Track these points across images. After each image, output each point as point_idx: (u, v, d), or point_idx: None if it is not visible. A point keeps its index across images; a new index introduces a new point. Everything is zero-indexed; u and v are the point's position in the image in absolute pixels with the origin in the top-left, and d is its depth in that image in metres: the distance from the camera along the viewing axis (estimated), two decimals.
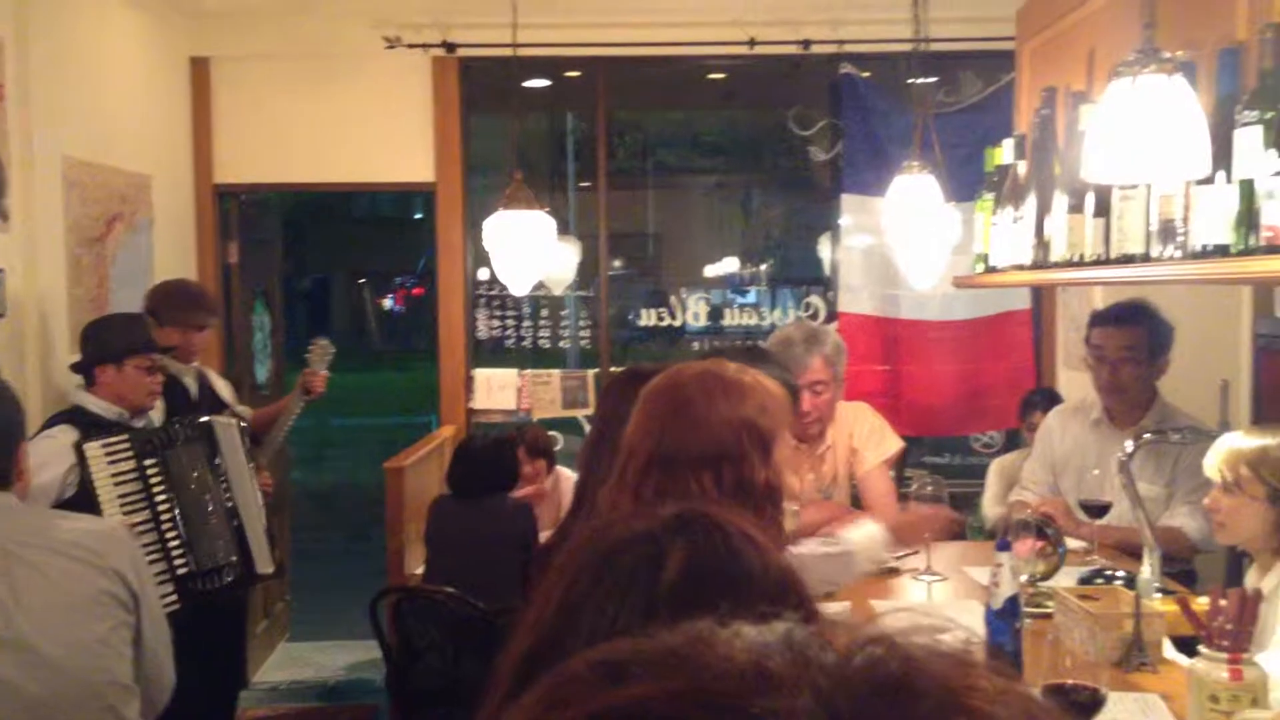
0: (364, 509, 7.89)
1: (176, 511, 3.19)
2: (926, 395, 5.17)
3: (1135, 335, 3.11)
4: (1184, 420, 3.07)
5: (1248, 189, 1.81)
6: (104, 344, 3.25)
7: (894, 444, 3.41)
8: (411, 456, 4.34)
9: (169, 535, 3.17)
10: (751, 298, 6.38)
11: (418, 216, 16.57)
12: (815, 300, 5.45)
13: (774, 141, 6.53)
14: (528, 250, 3.91)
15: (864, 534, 2.58)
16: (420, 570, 3.94)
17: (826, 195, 5.51)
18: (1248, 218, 1.82)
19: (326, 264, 18.70)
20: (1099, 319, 3.24)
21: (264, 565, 3.41)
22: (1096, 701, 1.85)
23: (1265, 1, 1.97)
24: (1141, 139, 1.58)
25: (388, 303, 20.36)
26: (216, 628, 3.58)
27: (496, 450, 3.83)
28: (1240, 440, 2.24)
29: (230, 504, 3.34)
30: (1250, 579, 2.31)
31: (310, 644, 5.46)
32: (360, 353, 18.44)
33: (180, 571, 3.15)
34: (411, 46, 4.98)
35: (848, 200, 5.16)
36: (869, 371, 5.11)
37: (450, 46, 4.98)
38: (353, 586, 4.92)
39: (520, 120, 4.47)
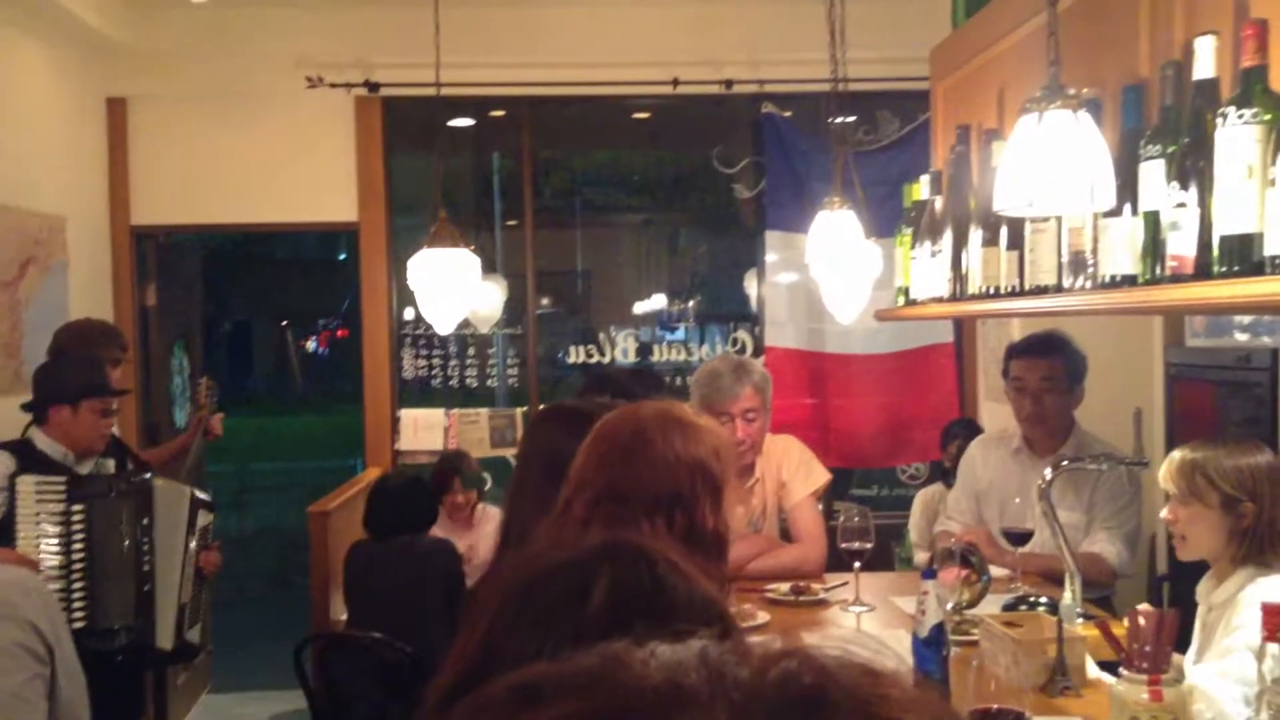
0: (288, 555, 7.73)
1: (88, 563, 3.10)
2: (853, 428, 5.24)
3: (1053, 366, 3.18)
4: (1100, 448, 3.14)
5: (1152, 221, 1.87)
6: (61, 384, 3.18)
7: (822, 476, 3.44)
8: (336, 500, 4.27)
9: (75, 586, 3.08)
10: (680, 334, 6.42)
11: (341, 257, 16.40)
12: (742, 335, 5.50)
13: (700, 180, 6.59)
14: (453, 289, 3.88)
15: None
16: (345, 617, 3.87)
17: (751, 232, 5.58)
18: (1153, 248, 1.88)
19: (248, 307, 18.40)
20: (1017, 351, 3.31)
21: (163, 638, 3.27)
22: None
23: (1166, 41, 2.05)
24: (1049, 172, 1.63)
25: (311, 345, 20.07)
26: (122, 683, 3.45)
27: (413, 489, 3.78)
28: (1191, 451, 2.26)
29: (147, 568, 3.23)
30: (1203, 590, 2.34)
31: (233, 695, 5.31)
32: (283, 397, 18.11)
33: (75, 625, 3.04)
34: (334, 86, 4.96)
35: (772, 237, 5.23)
36: (796, 405, 5.16)
37: (373, 86, 4.96)
38: (277, 635, 4.80)
39: (445, 159, 4.48)
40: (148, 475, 3.35)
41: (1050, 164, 1.63)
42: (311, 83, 4.93)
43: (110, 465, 3.38)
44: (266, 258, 17.68)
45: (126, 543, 3.20)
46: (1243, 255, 1.61)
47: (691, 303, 7.66)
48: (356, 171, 5.03)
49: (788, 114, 5.26)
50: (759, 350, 5.28)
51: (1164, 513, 2.30)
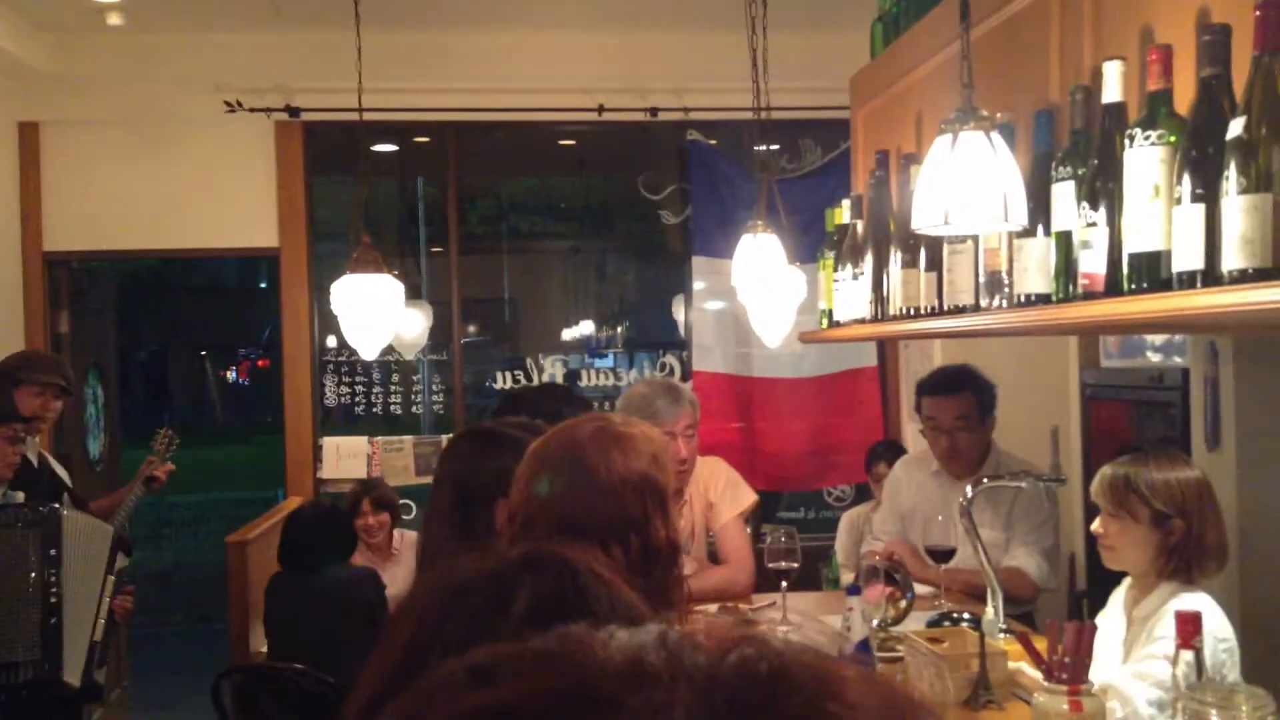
0: (206, 588, 7.54)
1: None
2: (779, 450, 5.28)
3: (966, 404, 3.24)
4: (1017, 465, 3.20)
5: (1064, 240, 1.92)
6: None
7: (749, 497, 3.45)
8: (255, 530, 4.18)
9: None
10: (609, 360, 6.42)
11: (262, 286, 16.14)
12: (670, 360, 5.52)
13: (627, 207, 6.62)
14: (376, 314, 3.84)
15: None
16: (266, 649, 3.77)
17: (678, 258, 5.61)
18: (1066, 267, 1.92)
19: (166, 335, 18.01)
20: (928, 388, 3.35)
21: (71, 674, 3.15)
22: None
23: (1075, 67, 2.11)
24: (962, 191, 1.67)
25: (231, 375, 19.69)
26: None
27: (330, 517, 3.71)
28: (1121, 467, 2.28)
29: (54, 600, 3.11)
30: (1125, 601, 2.37)
31: None
32: (201, 428, 17.71)
33: None
34: (254, 110, 4.89)
35: (698, 263, 5.27)
36: (724, 428, 5.19)
37: (294, 111, 4.91)
38: (195, 669, 4.67)
39: (368, 185, 4.43)
40: (56, 505, 3.24)
41: (964, 183, 1.67)
42: (231, 107, 4.86)
43: (20, 496, 3.27)
44: (185, 285, 17.34)
45: (33, 574, 3.08)
46: (1151, 272, 1.66)
47: (620, 329, 7.67)
48: (277, 197, 4.97)
49: (713, 142, 5.32)
50: (686, 375, 5.30)
51: (1095, 525, 2.32)
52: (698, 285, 5.30)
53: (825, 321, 3.35)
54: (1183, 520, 2.19)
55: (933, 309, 2.49)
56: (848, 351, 5.20)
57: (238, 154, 4.95)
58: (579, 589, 0.83)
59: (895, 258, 2.68)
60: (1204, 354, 3.40)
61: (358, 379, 5.15)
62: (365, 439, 5.07)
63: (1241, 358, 3.28)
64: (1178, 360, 3.74)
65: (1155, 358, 3.94)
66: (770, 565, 2.96)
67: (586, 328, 7.63)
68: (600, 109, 5.01)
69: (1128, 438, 3.84)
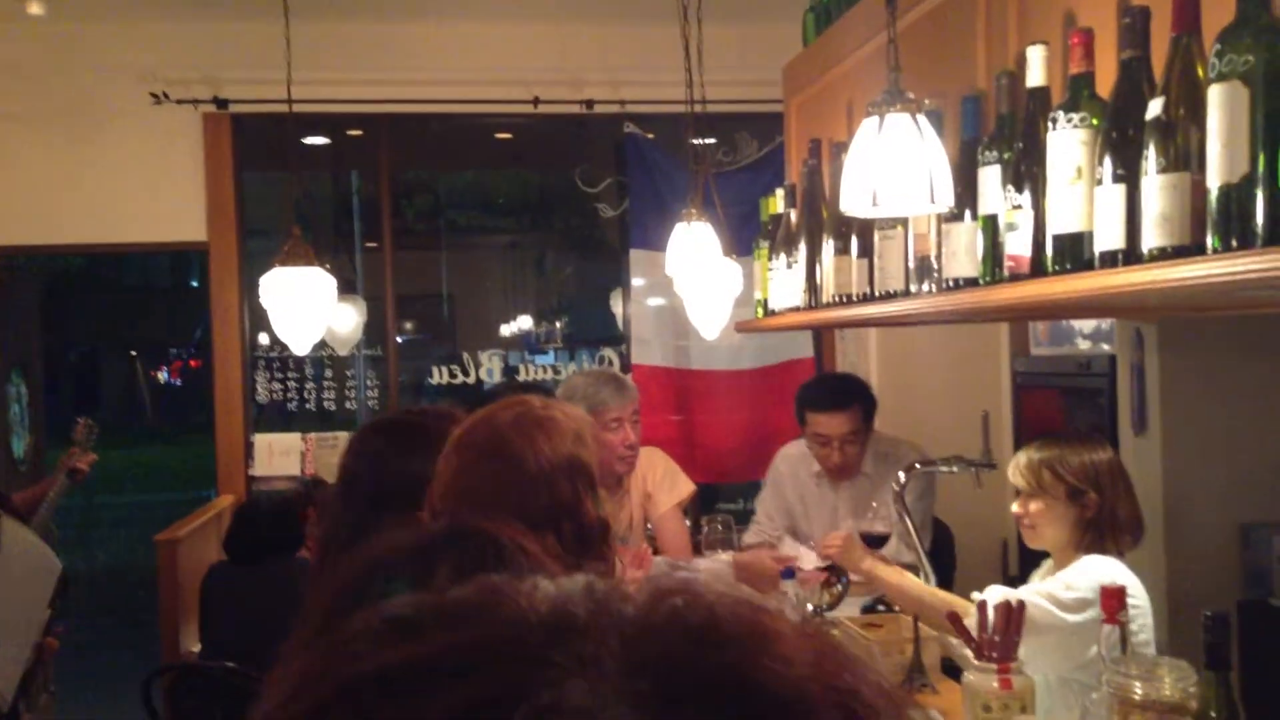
0: (137, 590, 7.39)
1: None
2: (718, 443, 5.28)
3: (853, 418, 3.30)
4: (905, 449, 3.29)
5: (991, 224, 1.94)
6: None
7: (687, 487, 3.46)
8: (185, 528, 4.09)
9: None
10: (549, 358, 6.39)
11: (194, 285, 15.84)
12: (609, 354, 5.51)
13: (564, 201, 6.60)
14: (307, 308, 3.78)
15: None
16: (198, 649, 3.70)
17: (617, 252, 5.60)
18: (992, 251, 1.95)
19: (95, 335, 17.61)
20: (814, 403, 3.37)
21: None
22: None
23: (1001, 52, 2.13)
24: (889, 172, 1.68)
25: (163, 376, 19.31)
26: None
27: (284, 509, 3.65)
28: (1038, 450, 2.35)
29: None
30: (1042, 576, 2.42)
31: None
32: (132, 429, 17.36)
33: None
34: (180, 102, 4.79)
35: (636, 255, 5.26)
36: (663, 422, 5.18)
37: (222, 102, 4.82)
38: (124, 672, 4.57)
39: (299, 178, 4.36)
40: None
41: (890, 164, 1.68)
42: (157, 99, 4.76)
43: None
44: (114, 284, 16.97)
45: None
46: (1074, 253, 1.68)
47: (559, 324, 7.64)
48: (205, 190, 4.87)
49: (650, 135, 5.31)
50: (625, 368, 5.29)
51: (1015, 507, 2.38)
52: (636, 279, 5.28)
53: (761, 311, 3.36)
54: (1097, 494, 2.26)
55: (864, 295, 2.50)
56: (784, 343, 5.23)
57: (164, 146, 4.85)
58: (502, 563, 0.82)
59: (828, 245, 2.70)
60: (1130, 341, 3.46)
61: (290, 375, 5.07)
62: (299, 435, 4.99)
63: (1166, 344, 3.35)
64: (1105, 348, 3.81)
65: (1084, 345, 4.01)
66: (707, 553, 2.96)
67: (525, 323, 7.60)
68: (536, 101, 4.98)
69: (1058, 424, 3.90)
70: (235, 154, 4.91)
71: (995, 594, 2.14)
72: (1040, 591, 2.17)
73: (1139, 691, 1.51)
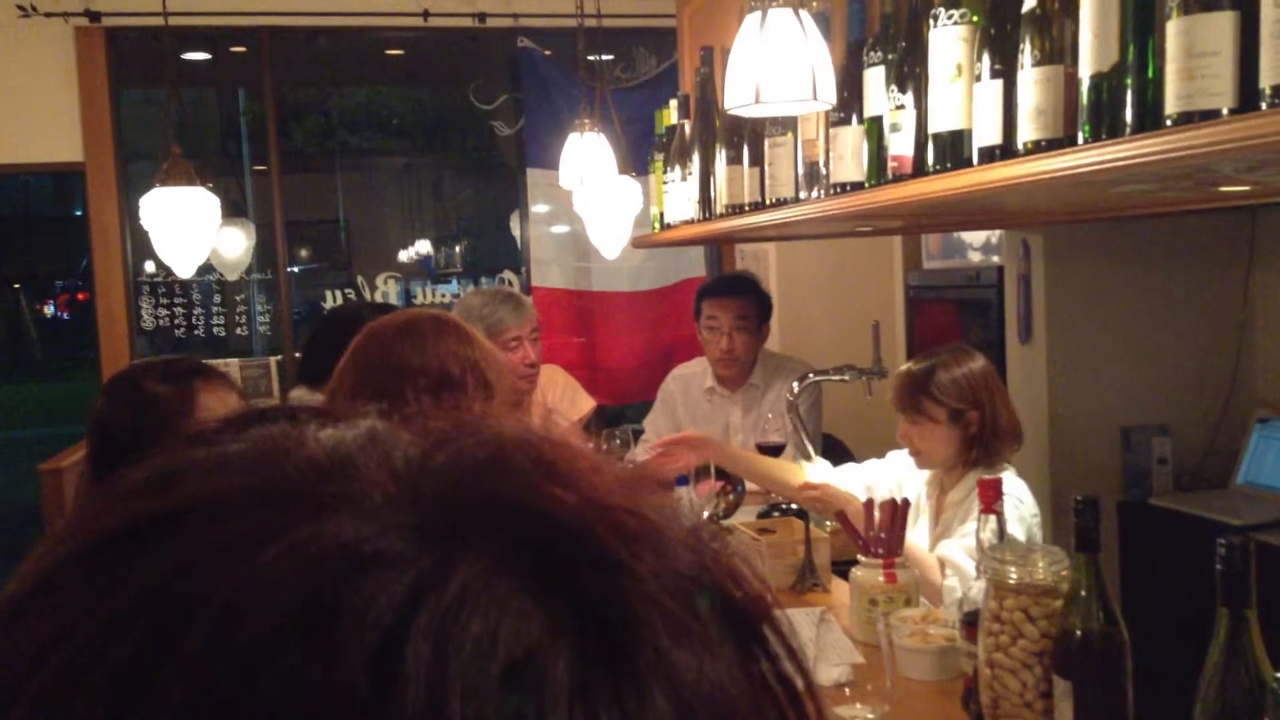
0: (26, 525, 7.18)
1: None
2: (620, 364, 5.29)
3: (745, 305, 3.35)
4: (796, 364, 3.35)
5: (875, 126, 1.94)
6: None
7: (587, 403, 3.46)
8: (70, 458, 3.97)
9: None
10: (452, 286, 6.31)
11: (78, 214, 15.20)
12: (509, 276, 5.45)
13: (461, 121, 6.45)
14: (190, 230, 3.66)
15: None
16: None
17: (514, 175, 5.51)
18: (878, 153, 1.95)
19: None
20: (711, 291, 3.48)
21: None
22: None
23: None
24: (772, 68, 1.66)
25: (49, 310, 18.61)
26: None
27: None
28: (911, 371, 2.35)
29: None
30: (929, 491, 2.45)
31: None
32: (18, 363, 16.75)
33: None
34: (50, 15, 4.55)
35: (533, 174, 5.18)
36: (565, 343, 5.16)
37: (94, 15, 4.58)
38: None
39: (178, 95, 4.17)
40: None
41: (773, 60, 1.66)
42: (25, 12, 4.51)
43: None
44: None
45: None
46: (955, 151, 1.69)
47: (458, 249, 7.53)
48: (79, 109, 4.64)
49: (547, 51, 5.20)
50: (526, 290, 5.23)
51: (899, 433, 2.39)
52: (534, 199, 5.21)
53: (658, 225, 3.34)
54: (976, 410, 2.28)
55: (756, 204, 2.50)
56: (684, 263, 5.23)
57: (34, 63, 4.60)
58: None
59: (720, 156, 2.68)
60: (1017, 252, 3.53)
61: (177, 301, 4.91)
62: None
63: (1052, 254, 3.43)
64: (994, 259, 3.89)
65: (976, 258, 4.09)
66: None
67: (424, 248, 7.47)
68: (425, 14, 4.83)
69: (950, 335, 3.99)
70: (110, 70, 4.69)
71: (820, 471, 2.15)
72: (966, 549, 2.17)
73: (1014, 576, 1.56)
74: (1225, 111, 1.18)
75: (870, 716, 1.39)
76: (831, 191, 2.10)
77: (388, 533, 0.30)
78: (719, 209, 2.73)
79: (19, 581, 0.34)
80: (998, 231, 3.76)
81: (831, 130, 2.08)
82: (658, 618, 0.30)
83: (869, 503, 2.07)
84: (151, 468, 0.35)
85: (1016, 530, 2.07)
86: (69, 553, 0.33)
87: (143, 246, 4.42)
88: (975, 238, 4.05)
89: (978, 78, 1.61)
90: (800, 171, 2.28)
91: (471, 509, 0.32)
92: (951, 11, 1.67)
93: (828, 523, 2.74)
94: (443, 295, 5.59)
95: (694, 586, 0.32)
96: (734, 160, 2.61)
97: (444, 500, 0.32)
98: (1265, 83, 1.13)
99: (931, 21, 1.71)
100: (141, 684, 0.28)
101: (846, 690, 1.39)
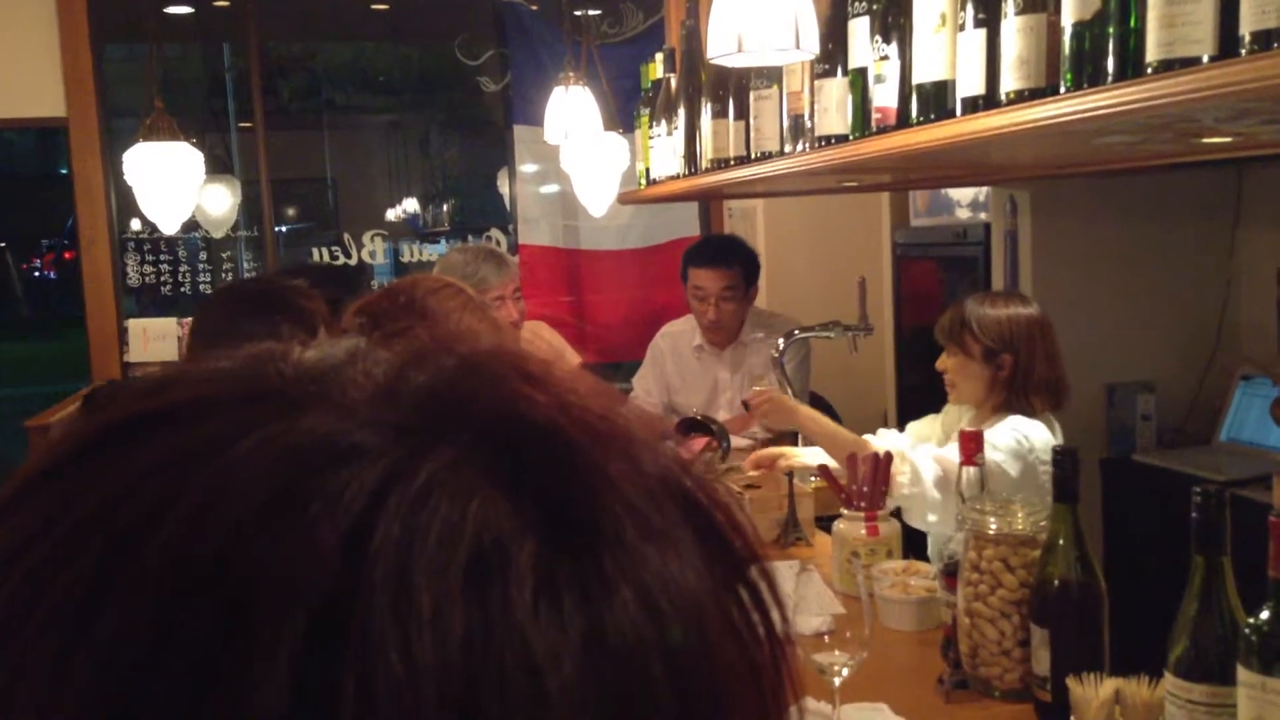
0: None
1: None
2: (608, 322, 5.29)
3: (732, 275, 3.36)
4: (783, 321, 3.37)
5: (860, 78, 1.92)
6: None
7: (572, 359, 3.45)
8: (57, 414, 3.96)
9: None
10: (440, 246, 6.29)
11: (63, 172, 15.06)
12: (497, 234, 5.42)
13: (447, 77, 6.40)
14: (174, 185, 3.64)
15: None
16: None
17: (501, 132, 5.47)
18: (862, 106, 1.94)
19: None
20: (696, 259, 3.46)
21: None
22: None
23: None
24: (753, 15, 1.65)
25: (36, 269, 18.52)
26: None
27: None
28: (961, 304, 2.38)
29: None
30: (954, 423, 2.46)
31: None
32: (6, 323, 16.68)
33: None
34: None
35: (520, 131, 5.14)
36: (553, 302, 5.15)
37: None
38: None
39: (161, 49, 4.14)
40: None
41: (756, 9, 1.64)
42: None
43: None
44: None
45: None
46: (938, 102, 1.68)
47: (445, 207, 7.49)
48: (61, 62, 4.59)
49: (534, 7, 5.15)
50: (513, 248, 5.22)
51: (938, 362, 2.41)
52: (521, 156, 5.18)
53: (644, 181, 3.33)
54: (1011, 355, 2.28)
55: (741, 158, 2.49)
56: (673, 221, 5.20)
57: (13, 14, 4.54)
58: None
59: (706, 109, 2.66)
60: (1004, 209, 3.53)
61: (162, 258, 4.89)
62: (175, 320, 4.84)
63: (1038, 210, 3.43)
64: (981, 216, 3.88)
65: (963, 215, 4.08)
66: None
67: (411, 206, 7.43)
68: None
69: (937, 293, 3.99)
70: (92, 23, 4.63)
71: (889, 439, 2.19)
72: (936, 456, 2.19)
73: (993, 527, 1.57)
74: (1205, 59, 1.18)
75: (848, 662, 1.41)
76: (816, 144, 2.09)
77: (363, 428, 0.31)
78: (704, 164, 2.72)
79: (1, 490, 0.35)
80: (985, 189, 3.75)
81: (816, 82, 2.06)
82: (626, 516, 0.31)
83: (851, 457, 2.08)
84: (147, 380, 0.37)
85: (1010, 466, 2.08)
86: (49, 458, 0.34)
87: (128, 204, 4.39)
88: (963, 195, 4.04)
89: (961, 27, 1.60)
90: (785, 125, 2.27)
91: (448, 409, 0.32)
92: None
93: (812, 478, 2.75)
94: (430, 254, 5.56)
95: (663, 489, 0.32)
96: (719, 114, 2.59)
97: (421, 402, 0.33)
98: (1245, 29, 1.13)
99: None
100: (119, 565, 0.29)
101: (825, 638, 1.41)
